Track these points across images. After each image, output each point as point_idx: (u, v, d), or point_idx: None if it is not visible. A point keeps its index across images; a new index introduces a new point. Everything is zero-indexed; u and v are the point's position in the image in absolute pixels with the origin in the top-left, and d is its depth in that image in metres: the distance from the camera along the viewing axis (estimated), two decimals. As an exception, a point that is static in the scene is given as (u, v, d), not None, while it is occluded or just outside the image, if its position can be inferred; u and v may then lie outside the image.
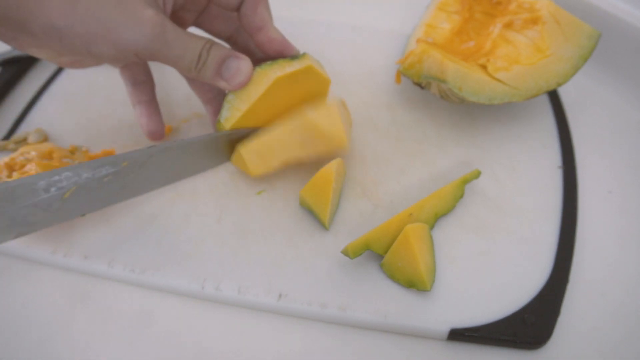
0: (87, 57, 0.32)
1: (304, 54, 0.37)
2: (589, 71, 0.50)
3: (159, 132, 0.40)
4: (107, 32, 0.30)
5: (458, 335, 0.32)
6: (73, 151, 0.41)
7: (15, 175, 0.34)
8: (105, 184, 0.31)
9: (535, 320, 0.33)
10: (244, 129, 0.37)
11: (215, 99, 0.41)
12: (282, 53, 0.38)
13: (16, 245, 0.35)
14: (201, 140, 0.36)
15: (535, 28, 0.44)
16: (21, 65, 0.50)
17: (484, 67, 0.42)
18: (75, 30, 0.29)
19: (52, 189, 0.29)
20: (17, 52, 0.49)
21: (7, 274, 0.36)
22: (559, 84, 0.42)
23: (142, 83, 0.40)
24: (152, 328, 0.33)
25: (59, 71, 0.49)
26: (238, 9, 0.37)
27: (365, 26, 0.55)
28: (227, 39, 0.41)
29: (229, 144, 0.38)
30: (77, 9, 0.29)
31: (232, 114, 0.36)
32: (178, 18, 0.38)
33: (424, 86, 0.43)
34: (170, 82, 0.48)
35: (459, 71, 0.40)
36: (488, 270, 0.35)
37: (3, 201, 0.28)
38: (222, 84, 0.35)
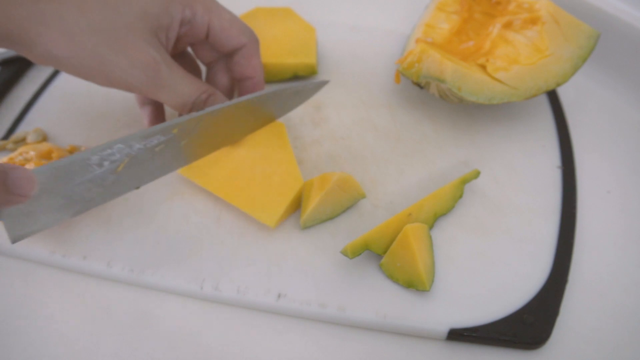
0: (81, 79, 0.33)
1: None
2: (588, 71, 0.50)
3: None
4: (102, 68, 0.31)
5: (457, 335, 0.32)
6: (72, 151, 0.41)
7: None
8: (157, 153, 0.31)
9: (534, 320, 0.33)
10: (298, 83, 0.38)
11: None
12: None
13: (15, 245, 0.35)
14: (249, 99, 0.35)
15: (534, 28, 0.44)
16: (20, 65, 0.50)
17: (483, 67, 0.42)
18: (72, 61, 0.31)
19: (105, 163, 0.28)
20: (16, 52, 0.49)
21: (7, 274, 0.36)
22: (558, 84, 0.42)
23: None
24: (151, 328, 0.33)
25: (58, 71, 0.49)
26: (231, 54, 0.38)
27: (364, 26, 0.55)
28: (207, 64, 0.41)
29: (277, 103, 0.38)
30: (74, 43, 0.30)
31: None
32: (176, 42, 0.38)
33: (423, 86, 0.43)
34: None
35: (458, 71, 0.40)
36: (487, 270, 0.35)
37: (58, 180, 0.27)
38: None
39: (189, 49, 0.41)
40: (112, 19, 0.31)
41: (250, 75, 0.39)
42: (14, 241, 0.28)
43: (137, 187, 0.32)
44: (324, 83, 0.40)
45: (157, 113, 0.40)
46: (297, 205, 0.38)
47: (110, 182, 0.29)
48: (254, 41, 0.38)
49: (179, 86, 0.34)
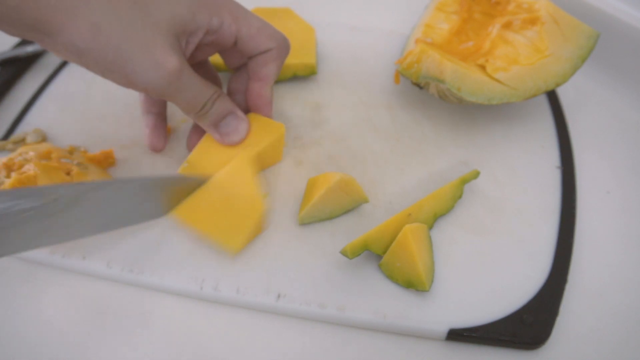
0: (99, 75, 0.32)
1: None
2: (587, 71, 0.50)
3: (159, 146, 0.40)
4: (124, 65, 0.30)
5: (457, 335, 0.32)
6: (71, 151, 0.41)
7: (14, 175, 0.34)
8: (22, 221, 0.26)
9: (534, 320, 0.33)
10: (188, 177, 0.35)
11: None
12: (258, 110, 0.40)
13: (14, 245, 0.35)
14: (143, 182, 0.32)
15: (534, 28, 0.44)
16: (20, 65, 0.50)
17: (482, 68, 0.42)
18: (93, 54, 0.30)
19: None
20: (15, 52, 0.49)
21: (6, 274, 0.36)
22: (558, 84, 0.42)
23: None
24: (151, 328, 0.33)
25: (57, 71, 0.49)
26: (252, 56, 0.37)
27: (364, 26, 0.55)
28: (234, 69, 0.41)
29: (174, 192, 0.34)
30: (100, 36, 0.29)
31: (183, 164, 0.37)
32: (200, 51, 0.38)
33: (422, 86, 0.43)
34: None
35: (457, 71, 0.40)
36: (487, 270, 0.35)
37: None
38: (216, 137, 0.37)
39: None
40: (141, 17, 0.30)
41: (261, 76, 0.38)
42: None
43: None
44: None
45: (159, 122, 0.40)
46: (260, 228, 0.36)
47: None
48: (283, 47, 0.37)
49: (194, 92, 0.34)
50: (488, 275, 0.35)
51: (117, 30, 0.29)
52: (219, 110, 0.36)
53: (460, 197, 0.38)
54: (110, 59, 0.30)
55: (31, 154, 0.37)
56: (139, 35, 0.30)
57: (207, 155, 0.38)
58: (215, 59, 0.45)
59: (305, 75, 0.48)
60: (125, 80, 0.31)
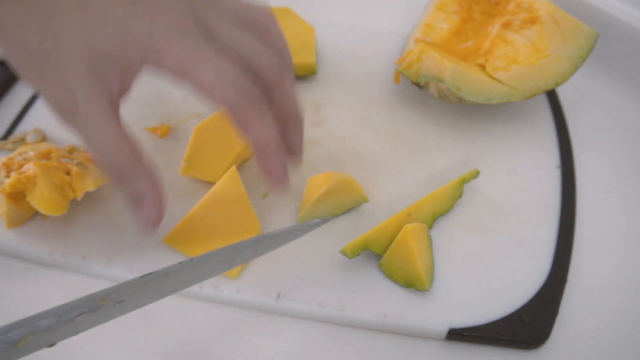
0: None
1: None
2: (587, 71, 0.50)
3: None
4: (29, 83, 0.30)
5: (456, 335, 0.32)
6: (71, 151, 0.41)
7: (13, 175, 0.34)
8: (79, 322, 0.25)
9: (534, 320, 0.33)
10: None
11: None
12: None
13: (15, 245, 0.35)
14: (203, 260, 0.29)
15: (533, 28, 0.44)
16: (19, 65, 0.49)
17: (482, 67, 0.42)
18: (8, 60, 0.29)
19: None
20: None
21: (6, 274, 0.36)
22: (558, 84, 0.42)
23: None
24: (151, 328, 0.33)
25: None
26: None
27: (363, 26, 0.55)
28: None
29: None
30: (9, 53, 0.29)
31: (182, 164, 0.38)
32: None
33: (422, 86, 0.43)
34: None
35: (457, 71, 0.40)
36: (486, 270, 0.35)
37: None
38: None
39: None
40: (49, 45, 0.27)
41: (251, 142, 0.29)
42: None
43: (52, 345, 0.26)
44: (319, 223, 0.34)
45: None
46: None
47: (8, 354, 0.25)
48: (243, 109, 0.28)
49: (97, 146, 0.28)
50: (488, 274, 0.35)
51: (22, 54, 0.28)
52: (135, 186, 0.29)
53: (460, 196, 0.38)
54: (17, 71, 0.29)
55: (31, 153, 0.37)
56: (41, 64, 0.28)
57: (204, 151, 0.38)
58: None
59: (305, 75, 0.48)
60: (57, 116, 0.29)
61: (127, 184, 0.29)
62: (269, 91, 0.31)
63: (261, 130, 0.29)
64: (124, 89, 0.29)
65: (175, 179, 0.40)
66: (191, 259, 0.29)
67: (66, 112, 0.28)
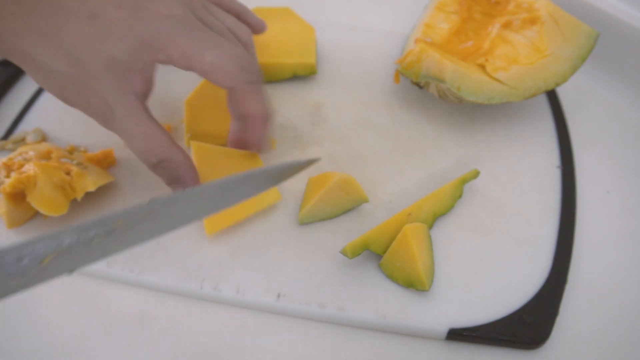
0: None
1: None
2: (587, 71, 0.50)
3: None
4: (67, 103, 0.33)
5: (457, 335, 0.32)
6: (71, 151, 0.41)
7: (13, 175, 0.34)
8: (95, 244, 0.27)
9: (534, 320, 0.33)
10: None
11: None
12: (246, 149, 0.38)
13: (14, 245, 0.35)
14: (215, 185, 0.30)
15: (533, 28, 0.44)
16: (19, 65, 0.49)
17: (482, 67, 0.42)
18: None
19: (25, 259, 0.25)
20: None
21: (6, 274, 0.36)
22: (558, 84, 0.42)
23: None
24: (151, 328, 0.33)
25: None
26: None
27: (364, 26, 0.55)
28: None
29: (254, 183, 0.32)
30: (45, 81, 0.32)
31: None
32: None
33: (422, 86, 0.43)
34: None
35: (457, 71, 0.40)
36: (486, 270, 0.35)
37: None
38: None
39: None
40: (76, 68, 0.31)
41: (245, 115, 0.35)
42: None
43: (71, 272, 0.28)
44: (313, 161, 0.34)
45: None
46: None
47: (34, 273, 0.26)
48: (246, 82, 0.33)
49: (135, 139, 0.33)
50: (488, 274, 0.35)
51: (57, 79, 0.31)
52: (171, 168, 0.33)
53: (460, 196, 0.38)
54: (55, 95, 0.33)
55: (31, 153, 0.37)
56: (74, 84, 0.31)
57: (201, 120, 0.40)
58: None
59: (305, 75, 0.48)
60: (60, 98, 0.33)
61: (166, 166, 0.33)
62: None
63: (258, 106, 0.34)
64: (147, 86, 0.33)
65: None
66: (195, 187, 0.30)
67: (105, 119, 0.32)
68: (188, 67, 0.32)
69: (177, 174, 0.33)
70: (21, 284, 0.26)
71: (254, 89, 0.34)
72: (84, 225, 0.26)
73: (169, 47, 0.31)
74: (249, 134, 0.36)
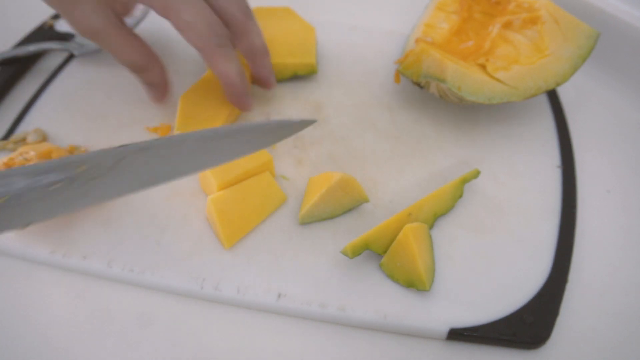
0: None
1: None
2: (588, 71, 0.50)
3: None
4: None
5: (457, 335, 0.32)
6: (72, 151, 0.41)
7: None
8: (53, 193, 0.24)
9: (534, 320, 0.33)
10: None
11: None
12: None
13: (15, 245, 0.35)
14: (196, 136, 0.28)
15: (534, 28, 0.44)
16: (20, 65, 0.49)
17: (483, 67, 0.42)
18: None
19: None
20: (15, 52, 0.49)
21: (7, 274, 0.36)
22: (558, 84, 0.42)
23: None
24: (151, 328, 0.33)
25: (57, 71, 0.49)
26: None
27: (364, 26, 0.55)
28: None
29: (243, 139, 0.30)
30: None
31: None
32: None
33: (423, 86, 0.43)
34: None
35: (458, 71, 0.40)
36: (487, 269, 0.35)
37: None
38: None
39: None
40: None
41: (217, 75, 0.38)
42: None
43: (26, 225, 0.24)
44: (309, 122, 0.33)
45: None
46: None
47: None
48: (215, 45, 0.36)
49: (121, 49, 0.37)
50: (488, 274, 0.35)
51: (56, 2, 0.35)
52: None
53: (460, 196, 0.38)
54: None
55: (32, 153, 0.37)
56: (63, 3, 0.35)
57: (194, 117, 0.41)
58: None
59: (305, 75, 0.48)
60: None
61: (145, 74, 0.39)
62: (236, 33, 0.39)
63: (226, 66, 0.37)
64: (125, 10, 0.41)
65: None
66: (174, 135, 0.27)
67: (90, 33, 0.36)
68: (164, 17, 0.35)
69: (152, 82, 0.40)
70: None
71: (221, 51, 0.36)
72: (39, 167, 0.23)
73: None
74: (228, 95, 0.40)
